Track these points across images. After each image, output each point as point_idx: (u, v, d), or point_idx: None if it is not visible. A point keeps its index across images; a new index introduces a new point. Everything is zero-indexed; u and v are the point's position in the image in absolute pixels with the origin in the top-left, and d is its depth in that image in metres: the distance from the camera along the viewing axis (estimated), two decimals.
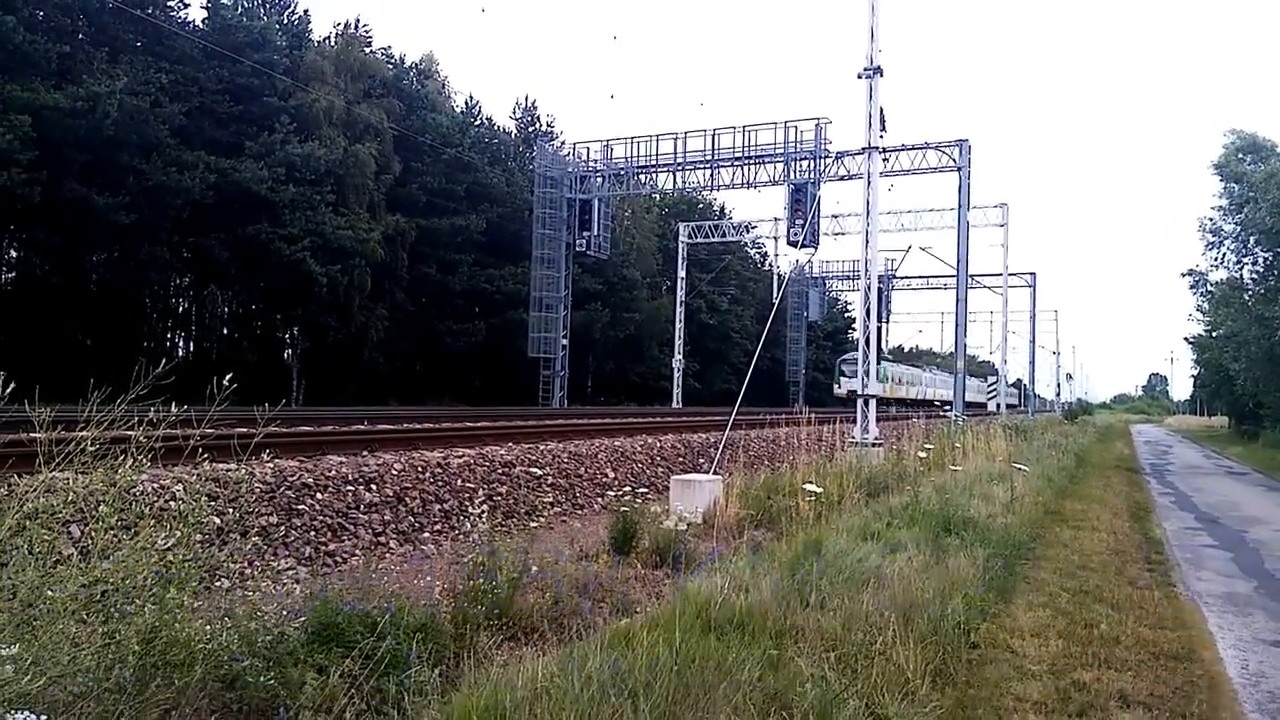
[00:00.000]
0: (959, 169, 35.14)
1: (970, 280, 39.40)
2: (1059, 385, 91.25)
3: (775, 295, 38.44)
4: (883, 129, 18.38)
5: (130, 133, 31.00)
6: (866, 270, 18.75)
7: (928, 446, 16.19)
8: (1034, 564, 8.95)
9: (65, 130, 29.06)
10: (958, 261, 36.47)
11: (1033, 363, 69.82)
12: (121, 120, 30.35)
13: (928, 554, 7.47)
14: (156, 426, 3.72)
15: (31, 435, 3.67)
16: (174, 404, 3.74)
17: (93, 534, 3.65)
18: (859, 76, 17.98)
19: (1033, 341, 67.10)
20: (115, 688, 3.25)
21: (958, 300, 36.20)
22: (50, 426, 3.57)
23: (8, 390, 3.37)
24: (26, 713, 2.58)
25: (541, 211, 40.80)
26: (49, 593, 3.23)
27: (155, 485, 7.12)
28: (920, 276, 62.90)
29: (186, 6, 39.32)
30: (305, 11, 45.06)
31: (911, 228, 48.50)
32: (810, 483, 9.98)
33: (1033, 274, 62.79)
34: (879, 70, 17.83)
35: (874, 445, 16.49)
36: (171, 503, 5.90)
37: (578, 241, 41.54)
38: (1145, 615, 7.12)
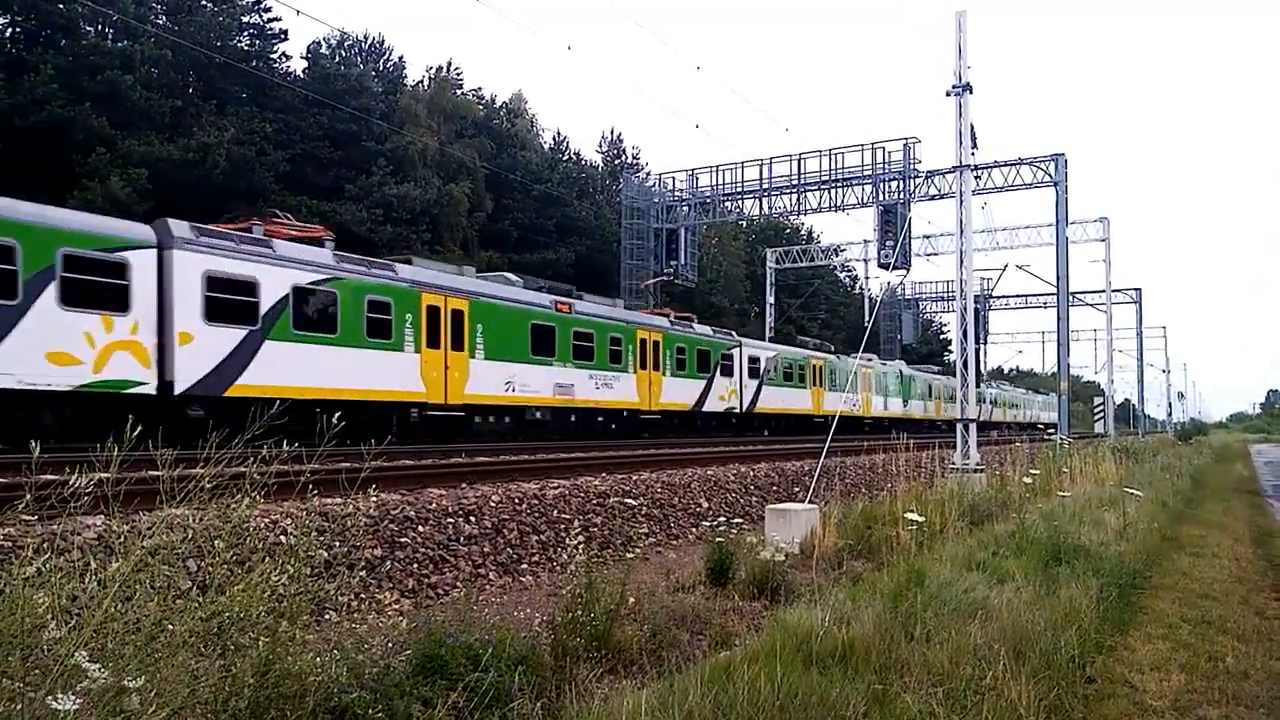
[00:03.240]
0: (1055, 184, 34.16)
1: (1071, 298, 38.19)
2: (1170, 405, 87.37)
3: (867, 319, 38.04)
4: (974, 146, 18.08)
5: (238, 180, 32.53)
6: (962, 290, 18.35)
7: (1033, 471, 15.65)
8: (1151, 594, 8.54)
9: (178, 180, 30.67)
10: (1057, 279, 35.37)
11: (1140, 382, 67.24)
12: (230, 169, 31.90)
13: (1037, 584, 7.20)
14: (269, 464, 3.86)
15: (153, 473, 3.85)
16: (286, 441, 3.87)
17: (210, 568, 3.80)
18: (948, 94, 17.75)
19: (1140, 360, 64.62)
20: (232, 719, 3.36)
21: (1058, 319, 35.08)
22: (171, 465, 3.75)
23: (135, 433, 3.54)
24: None
25: (629, 242, 41.15)
26: (170, 626, 3.35)
27: (267, 520, 7.37)
28: (1018, 295, 61.18)
29: (289, 58, 41.28)
30: (400, 58, 46.64)
31: (1007, 245, 47.25)
32: (911, 511, 9.74)
33: (1138, 290, 60.50)
34: (968, 87, 17.56)
35: (975, 471, 16.03)
36: (283, 537, 6.09)
37: (665, 270, 41.72)
38: (1276, 648, 6.71)
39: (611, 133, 61.62)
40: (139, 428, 3.64)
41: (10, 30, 33.23)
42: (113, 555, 3.43)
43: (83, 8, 30.85)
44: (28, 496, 3.32)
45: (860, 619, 5.53)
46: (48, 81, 28.84)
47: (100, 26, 33.45)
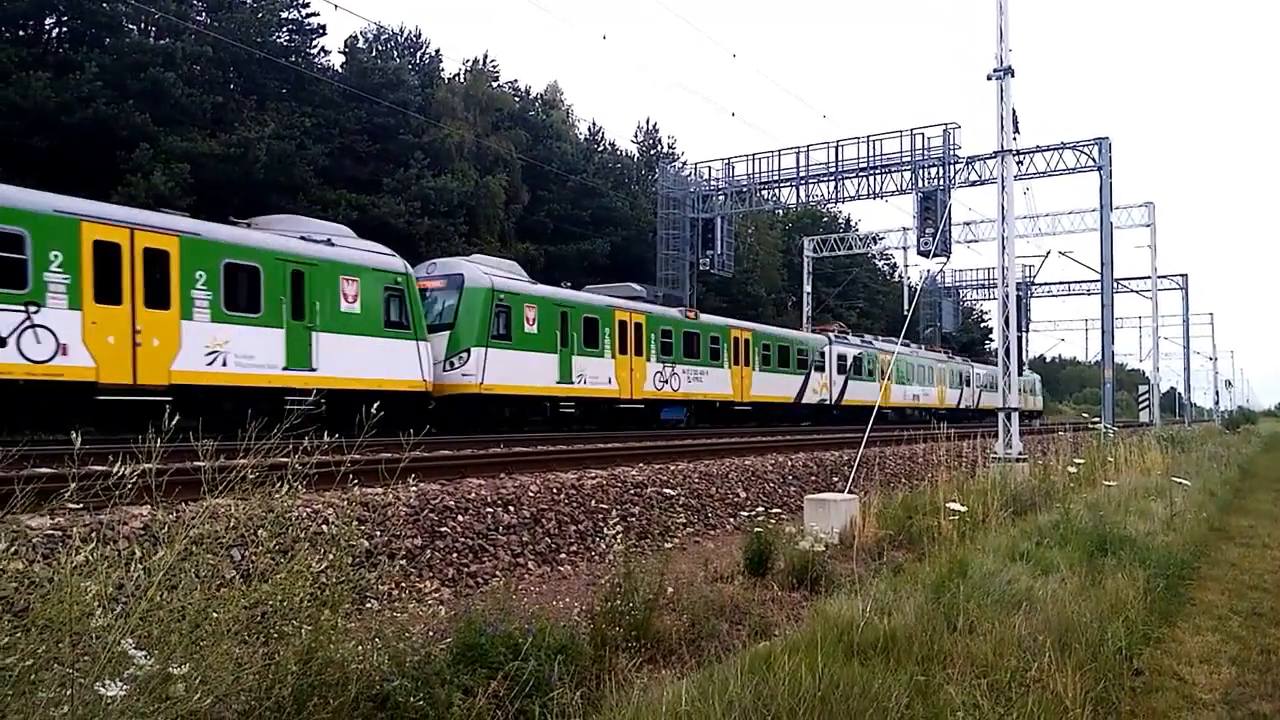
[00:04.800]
0: (1099, 168, 33.55)
1: (1116, 284, 37.60)
2: (1216, 393, 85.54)
3: (906, 307, 37.79)
4: (1015, 131, 17.79)
5: (278, 174, 32.91)
6: (1003, 277, 18.08)
7: (1077, 460, 15.40)
8: (1199, 585, 8.36)
9: (220, 175, 31.08)
10: (1101, 265, 34.82)
11: (1187, 369, 65.96)
12: (270, 163, 32.28)
13: (1082, 575, 7.08)
14: (310, 454, 3.89)
15: (196, 464, 3.89)
16: (326, 432, 3.90)
17: (253, 557, 3.84)
18: (988, 78, 17.47)
19: (1186, 347, 63.44)
20: (275, 707, 3.39)
21: (1103, 306, 34.53)
22: (214, 455, 3.79)
23: (174, 422, 3.59)
24: None
25: (665, 232, 41.07)
26: (214, 614, 3.39)
27: (308, 510, 7.44)
28: (1060, 283, 60.32)
29: (327, 53, 41.61)
30: (436, 50, 46.83)
31: (1049, 231, 46.47)
32: (954, 501, 9.63)
33: (1184, 276, 59.26)
34: (1009, 71, 17.27)
35: (1018, 460, 15.81)
36: (324, 527, 6.15)
37: (701, 260, 41.58)
38: None
39: (647, 123, 61.73)
40: (176, 417, 3.68)
41: (56, 30, 33.85)
42: (158, 544, 3.47)
43: (125, 6, 31.34)
44: (73, 485, 3.37)
45: (902, 609, 5.47)
46: (92, 79, 29.33)
47: (143, 24, 33.95)
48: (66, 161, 28.17)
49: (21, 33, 32.71)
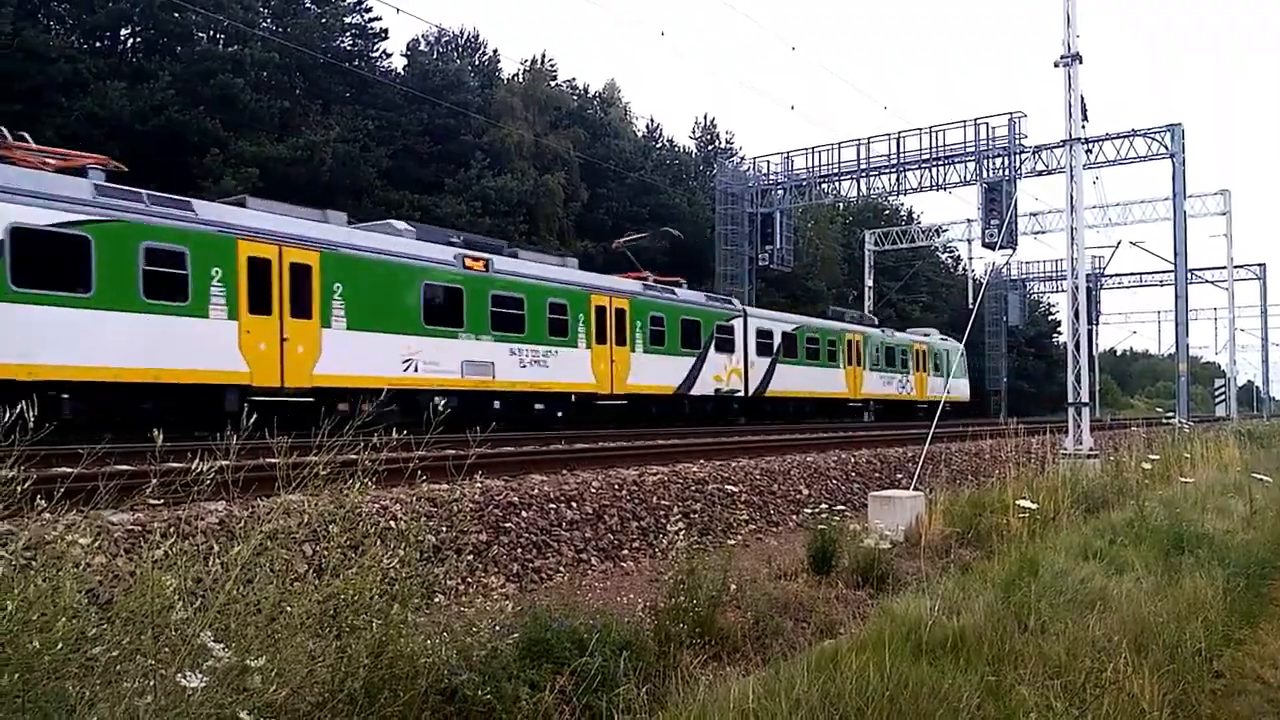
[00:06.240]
0: (1171, 156, 32.62)
1: (1190, 275, 36.50)
2: None
3: (971, 301, 36.60)
4: (1084, 119, 17.36)
5: (344, 177, 33.55)
6: (1072, 269, 17.67)
7: (1151, 457, 14.98)
8: None
9: (287, 178, 31.77)
10: (1174, 255, 33.84)
11: (1265, 361, 63.89)
12: (335, 165, 32.92)
13: (1158, 574, 6.88)
14: (379, 451, 3.96)
15: (270, 461, 3.99)
16: (393, 430, 3.96)
17: (325, 552, 3.92)
18: (1056, 65, 17.07)
19: (1264, 338, 61.38)
20: (348, 699, 3.45)
21: (1176, 297, 33.60)
22: (287, 453, 3.88)
23: (252, 420, 3.68)
24: None
25: (723, 228, 40.93)
26: (288, 608, 3.47)
27: (378, 506, 7.58)
28: (1131, 274, 58.61)
29: (389, 56, 42.26)
30: (494, 51, 47.33)
31: (1120, 221, 45.20)
32: (1024, 498, 9.43)
33: (1262, 265, 57.37)
34: (1078, 57, 16.85)
35: (1089, 457, 15.44)
36: (393, 522, 6.25)
37: (760, 255, 41.34)
38: None
39: (705, 118, 61.52)
40: (254, 416, 3.77)
41: (131, 40, 34.95)
42: (234, 539, 3.56)
43: (196, 15, 32.19)
44: (153, 482, 3.47)
45: (971, 608, 5.38)
46: (165, 87, 30.24)
47: (212, 33, 34.87)
48: (141, 168, 29.03)
49: (99, 44, 33.85)
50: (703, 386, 27.51)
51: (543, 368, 22.24)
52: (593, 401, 24.04)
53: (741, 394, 29.49)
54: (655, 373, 25.86)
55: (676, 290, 28.19)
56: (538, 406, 22.63)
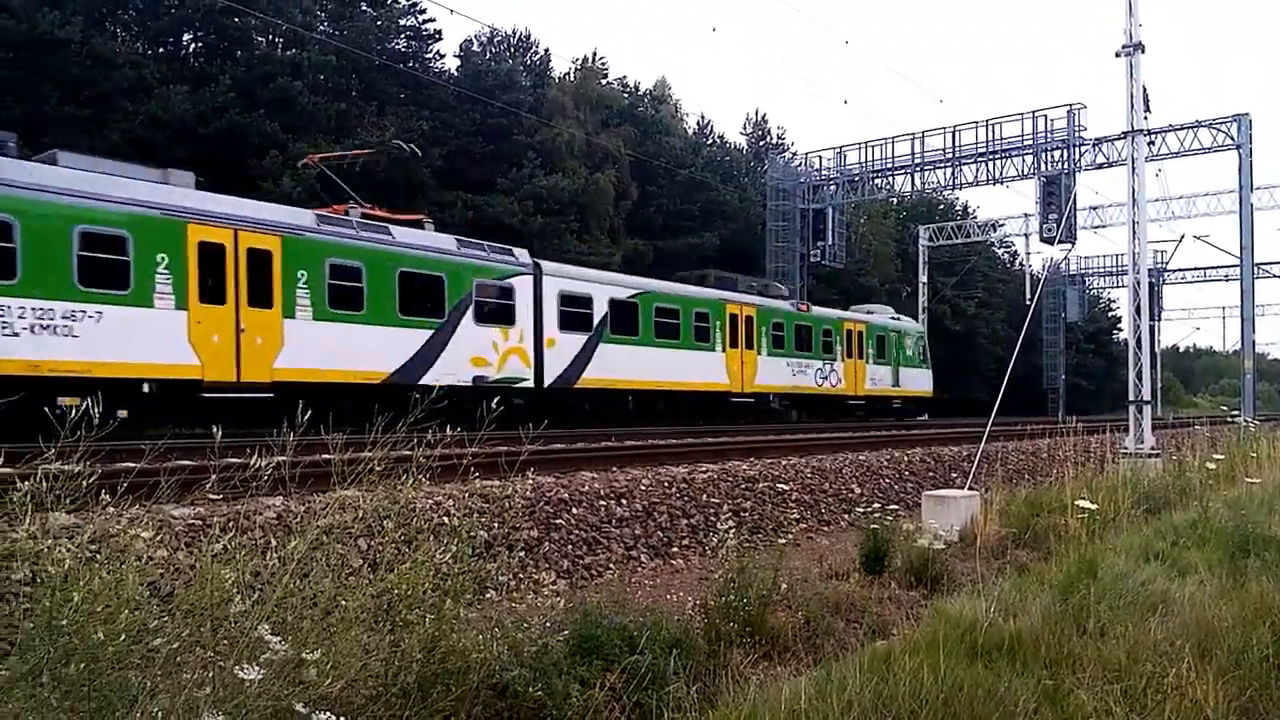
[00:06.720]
0: (1238, 147, 31.72)
1: (1256, 269, 35.45)
2: None
3: (1028, 296, 35.69)
4: (1146, 110, 16.95)
5: (399, 178, 33.96)
6: (1134, 264, 17.25)
7: (1216, 456, 14.57)
8: None
9: (343, 179, 32.27)
10: (1240, 250, 32.91)
11: None
12: (390, 166, 33.35)
13: (1223, 577, 6.69)
14: (433, 447, 4.00)
15: (327, 457, 4.05)
16: (448, 426, 4.00)
17: (379, 547, 3.97)
18: (1117, 55, 16.68)
19: None
20: (401, 693, 3.50)
21: (1242, 293, 32.67)
22: (342, 449, 3.94)
23: (306, 417, 3.74)
24: (328, 714, 2.81)
25: (774, 224, 40.67)
26: (343, 602, 3.52)
27: (431, 502, 7.66)
28: (1195, 268, 57.11)
29: (442, 57, 42.66)
30: (546, 51, 47.49)
31: (1183, 215, 44.06)
32: (1083, 498, 9.24)
33: None
34: (1140, 46, 16.45)
35: (1150, 456, 15.07)
36: (445, 518, 6.32)
37: (812, 252, 41.01)
38: None
39: (756, 114, 61.22)
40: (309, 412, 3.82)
41: (193, 45, 35.76)
42: (291, 534, 3.63)
43: (255, 19, 32.83)
44: (213, 477, 3.55)
45: (1027, 610, 5.28)
46: (226, 91, 30.90)
47: (270, 36, 35.55)
48: (203, 170, 29.73)
49: (162, 50, 34.70)
50: (445, 373, 18.92)
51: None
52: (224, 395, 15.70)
53: (529, 384, 21.26)
54: (338, 352, 17.35)
55: (392, 229, 19.58)
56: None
